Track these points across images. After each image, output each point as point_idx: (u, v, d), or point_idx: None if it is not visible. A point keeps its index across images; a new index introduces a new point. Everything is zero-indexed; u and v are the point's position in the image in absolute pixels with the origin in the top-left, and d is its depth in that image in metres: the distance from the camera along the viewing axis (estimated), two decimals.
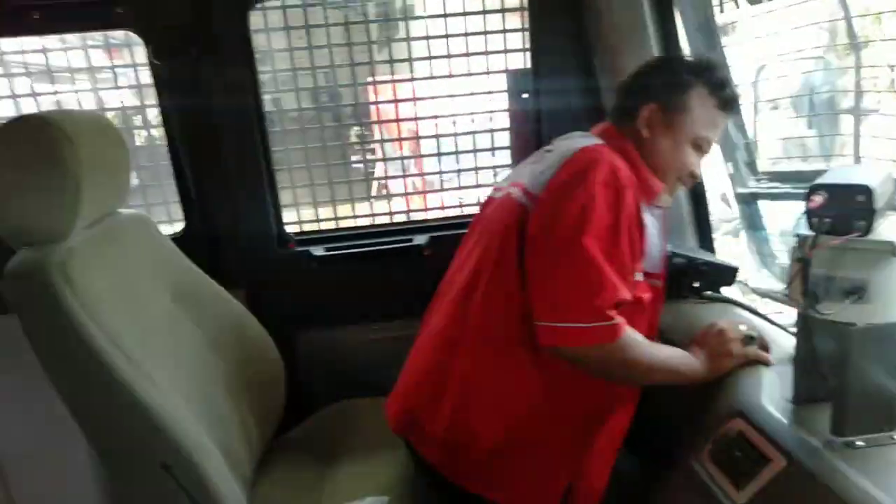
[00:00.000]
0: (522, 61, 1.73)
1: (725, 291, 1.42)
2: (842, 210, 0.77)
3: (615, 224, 1.03)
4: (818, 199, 0.78)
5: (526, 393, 1.12)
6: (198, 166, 1.65)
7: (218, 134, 1.62)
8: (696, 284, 1.39)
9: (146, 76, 1.63)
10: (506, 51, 1.73)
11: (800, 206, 0.84)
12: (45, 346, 1.05)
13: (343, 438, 1.59)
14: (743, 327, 1.16)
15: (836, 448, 0.85)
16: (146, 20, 1.55)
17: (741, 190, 1.61)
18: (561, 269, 1.03)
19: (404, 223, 1.84)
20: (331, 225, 1.84)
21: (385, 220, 1.85)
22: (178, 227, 1.73)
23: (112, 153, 1.23)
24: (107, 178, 1.19)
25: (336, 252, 1.74)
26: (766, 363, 1.12)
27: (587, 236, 1.01)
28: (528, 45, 1.72)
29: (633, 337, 1.04)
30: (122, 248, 1.28)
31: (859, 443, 0.85)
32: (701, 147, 1.20)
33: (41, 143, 1.03)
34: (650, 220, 1.16)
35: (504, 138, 1.81)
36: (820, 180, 0.81)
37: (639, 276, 1.11)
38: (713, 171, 1.61)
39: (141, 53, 1.62)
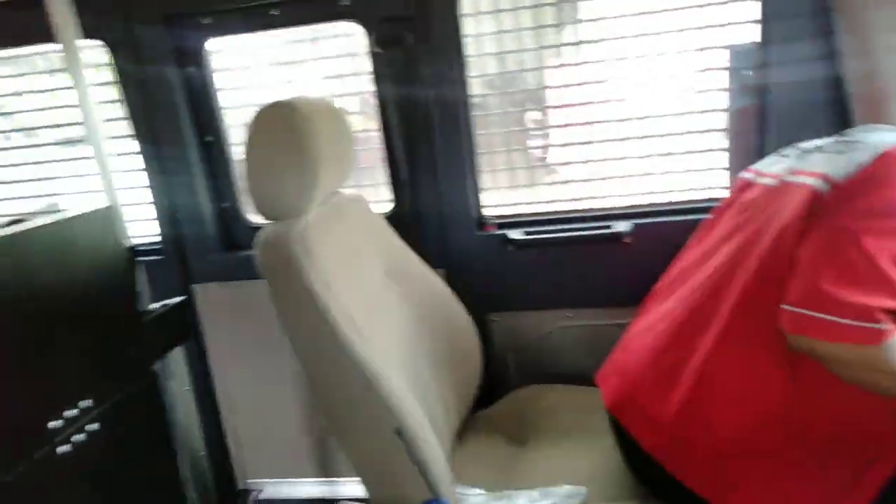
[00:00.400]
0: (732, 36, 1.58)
1: None
2: None
3: None
4: None
5: (769, 394, 1.04)
6: (409, 150, 1.73)
7: (428, 119, 1.69)
8: None
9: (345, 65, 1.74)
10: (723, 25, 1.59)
11: None
12: (286, 309, 1.17)
13: (535, 422, 1.60)
14: None
15: None
16: (368, 11, 1.65)
17: None
18: (836, 258, 0.94)
19: (604, 209, 1.78)
20: (528, 209, 1.84)
21: (584, 205, 1.81)
22: (385, 208, 1.83)
23: (341, 137, 1.32)
24: (337, 160, 1.29)
25: (533, 236, 1.73)
26: None
27: (873, 236, 0.92)
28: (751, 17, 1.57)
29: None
30: (345, 224, 1.39)
31: None
32: None
33: (290, 126, 1.14)
34: None
35: (714, 120, 1.68)
36: None
37: None
38: None
39: (339, 43, 1.74)
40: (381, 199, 1.85)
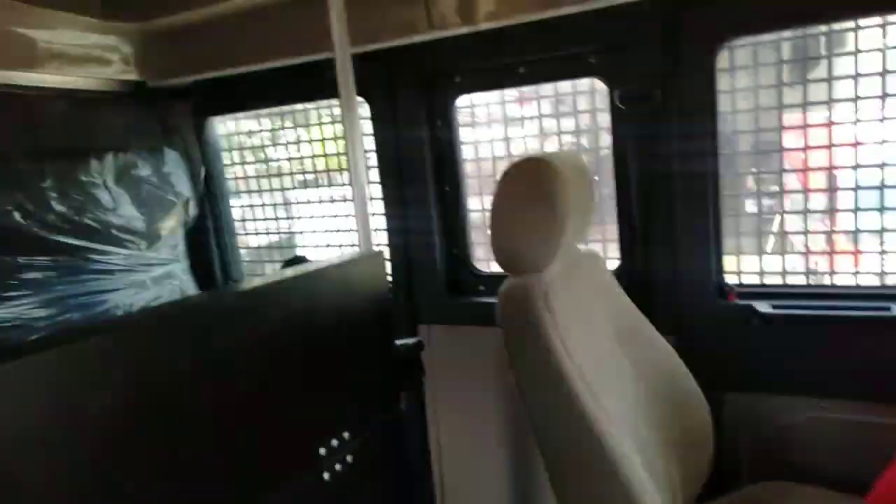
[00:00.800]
0: None
1: None
2: None
3: None
4: None
5: None
6: (644, 206, 1.66)
7: (669, 176, 1.60)
8: None
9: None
10: None
11: None
12: (522, 362, 1.15)
13: None
14: None
15: None
16: (615, 67, 1.63)
17: None
18: None
19: (877, 287, 1.54)
20: (777, 280, 1.65)
21: (850, 280, 1.58)
22: (612, 265, 1.76)
23: (586, 192, 1.30)
24: (581, 216, 1.27)
25: (786, 311, 1.54)
26: None
27: None
28: None
29: None
30: (581, 281, 1.35)
31: None
32: None
33: (543, 181, 1.14)
34: None
35: None
36: None
37: None
38: None
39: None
40: (608, 255, 1.80)
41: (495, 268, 2.01)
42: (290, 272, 1.17)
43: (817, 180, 1.62)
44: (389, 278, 1.58)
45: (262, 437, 1.05)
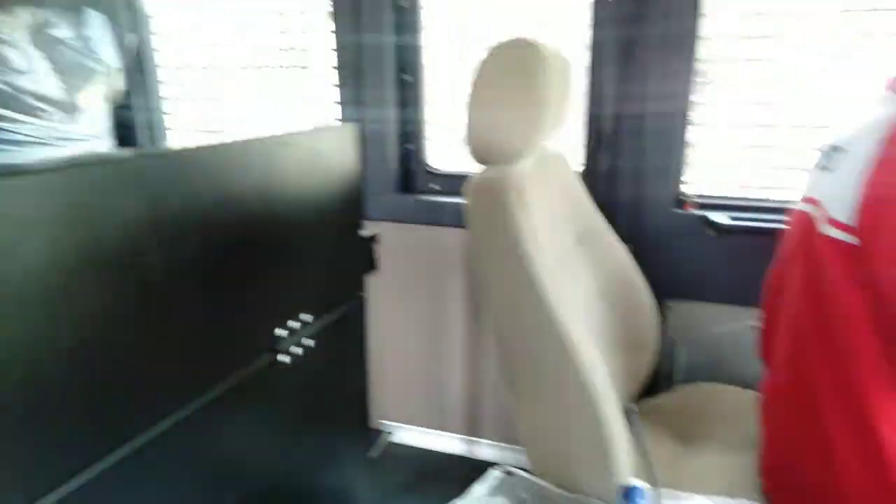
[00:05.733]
0: None
1: None
2: None
3: None
4: None
5: None
6: (616, 109, 1.62)
7: (646, 79, 1.55)
8: None
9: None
10: None
11: None
12: (489, 257, 1.11)
13: (702, 421, 1.47)
14: None
15: None
16: None
17: None
18: None
19: None
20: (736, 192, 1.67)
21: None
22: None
23: (566, 85, 1.24)
24: (557, 108, 1.21)
25: (737, 223, 1.56)
26: None
27: None
28: None
29: None
30: (549, 180, 1.31)
31: None
32: None
33: (527, 64, 1.06)
34: None
35: None
36: None
37: None
38: None
39: None
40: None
41: (452, 166, 1.96)
42: (254, 136, 1.05)
43: (785, 94, 1.61)
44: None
45: (216, 311, 0.98)
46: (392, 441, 2.20)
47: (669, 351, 1.74)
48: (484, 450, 2.07)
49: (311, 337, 1.22)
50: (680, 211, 1.64)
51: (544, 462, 1.17)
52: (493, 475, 1.21)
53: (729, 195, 1.67)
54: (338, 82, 1.88)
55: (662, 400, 1.59)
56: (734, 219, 1.57)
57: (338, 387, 1.41)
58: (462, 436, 2.11)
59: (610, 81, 1.61)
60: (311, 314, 1.22)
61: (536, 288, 1.05)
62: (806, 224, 1.06)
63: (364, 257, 1.51)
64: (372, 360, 2.13)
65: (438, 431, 2.14)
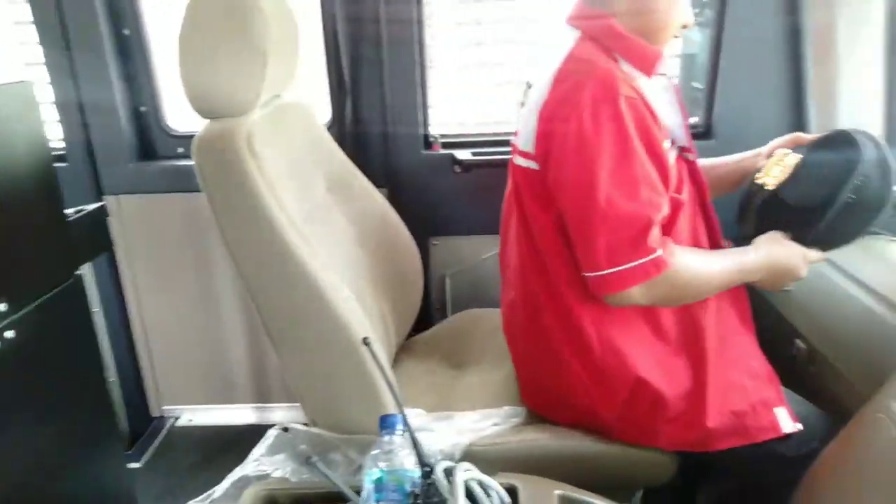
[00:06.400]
0: None
1: None
2: None
3: (624, 149, 0.98)
4: None
5: None
6: (354, 58, 1.61)
7: (378, 26, 1.56)
8: None
9: None
10: None
11: None
12: (229, 216, 1.07)
13: (472, 345, 1.59)
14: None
15: None
16: None
17: None
18: (592, 221, 1.00)
19: None
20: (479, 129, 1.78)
21: None
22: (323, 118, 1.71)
23: (291, 35, 1.20)
24: (285, 57, 1.17)
25: (481, 158, 1.68)
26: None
27: (601, 185, 0.97)
28: None
29: (680, 261, 1.02)
30: (289, 131, 1.28)
31: None
32: None
33: (238, 10, 1.01)
34: (658, 94, 1.09)
35: None
36: None
37: (672, 154, 1.08)
38: None
39: None
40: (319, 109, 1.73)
41: (196, 126, 1.82)
42: None
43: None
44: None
45: None
46: (179, 425, 2.08)
47: (439, 285, 1.85)
48: (276, 414, 2.05)
49: (10, 327, 1.08)
50: (428, 152, 1.71)
51: (317, 411, 1.18)
52: (271, 434, 1.19)
53: (471, 133, 1.78)
54: (39, 41, 1.63)
55: (436, 330, 1.69)
56: (475, 154, 1.68)
57: (65, 379, 1.28)
58: (254, 405, 2.06)
59: (343, 42, 1.60)
60: (6, 303, 1.08)
61: (280, 242, 1.03)
62: (513, 154, 1.18)
63: (80, 235, 1.37)
64: (143, 347, 1.98)
65: (229, 405, 2.07)
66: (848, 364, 1.18)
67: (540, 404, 1.26)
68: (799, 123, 1.61)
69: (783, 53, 1.57)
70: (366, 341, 0.98)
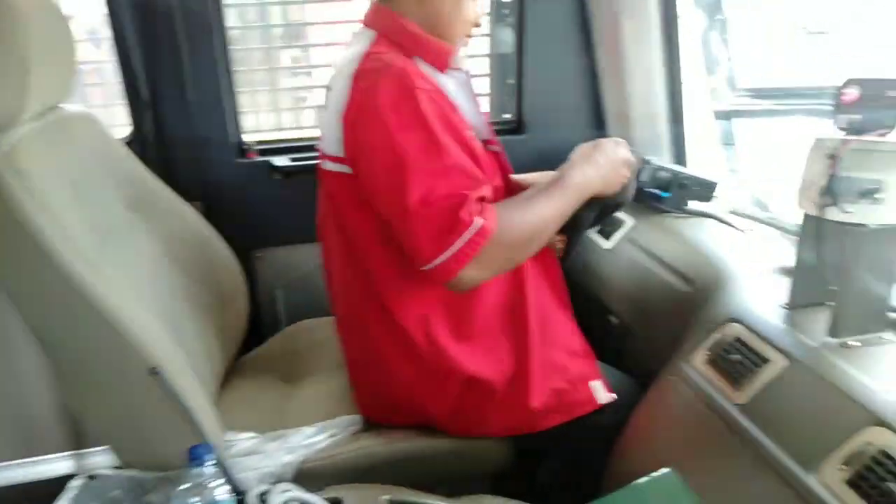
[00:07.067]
0: None
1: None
2: (874, 106, 0.76)
3: (429, 141, 0.98)
4: (852, 94, 0.77)
5: None
6: (150, 64, 1.49)
7: (173, 27, 1.46)
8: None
9: None
10: None
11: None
12: None
13: (306, 357, 1.54)
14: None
15: (833, 348, 0.88)
16: None
17: (721, 107, 1.61)
18: (410, 217, 0.97)
19: None
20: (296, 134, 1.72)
21: None
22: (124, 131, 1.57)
23: (62, 40, 1.08)
24: (56, 67, 1.05)
25: (299, 164, 1.63)
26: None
27: (412, 180, 0.96)
28: None
29: (503, 218, 0.99)
30: (71, 145, 1.15)
31: (853, 343, 0.88)
32: None
33: None
34: (455, 89, 1.14)
35: None
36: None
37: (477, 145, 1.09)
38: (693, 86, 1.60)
39: None
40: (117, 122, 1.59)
41: None
42: None
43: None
44: None
45: None
46: None
47: (270, 299, 1.76)
48: (98, 458, 1.84)
49: None
50: (244, 160, 1.63)
51: (128, 452, 1.08)
52: (73, 486, 1.06)
53: (291, 138, 1.73)
54: None
55: (267, 346, 1.61)
56: (295, 160, 1.62)
57: None
58: (69, 452, 1.83)
59: (135, 48, 1.48)
60: None
61: (57, 268, 0.91)
62: (321, 160, 1.15)
63: None
64: None
65: (38, 458, 1.82)
66: (654, 332, 1.30)
67: (375, 410, 1.25)
68: (597, 111, 1.74)
69: (578, 47, 1.69)
70: (153, 371, 0.89)
